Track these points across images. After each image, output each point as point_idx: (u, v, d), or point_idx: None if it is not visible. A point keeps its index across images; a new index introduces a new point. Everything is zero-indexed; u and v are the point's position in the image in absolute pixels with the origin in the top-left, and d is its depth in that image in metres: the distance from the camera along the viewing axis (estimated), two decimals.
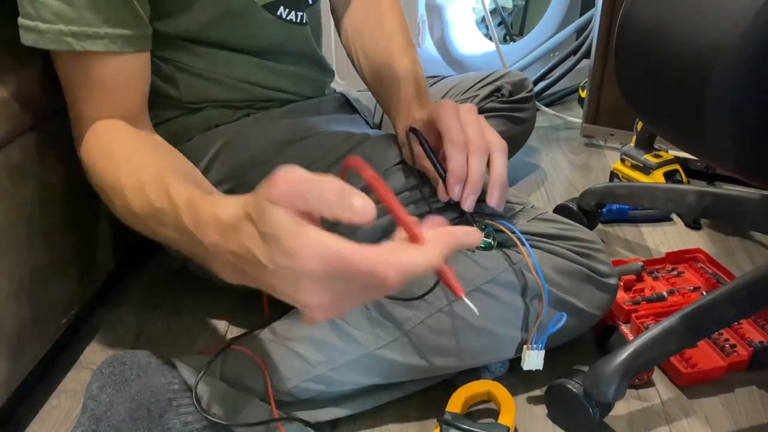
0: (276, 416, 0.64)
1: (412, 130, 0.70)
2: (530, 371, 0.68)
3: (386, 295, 0.44)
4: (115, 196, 0.61)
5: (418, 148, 0.70)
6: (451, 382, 0.72)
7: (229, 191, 0.79)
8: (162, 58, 0.75)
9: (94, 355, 0.82)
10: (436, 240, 0.42)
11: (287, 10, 0.78)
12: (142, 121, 0.69)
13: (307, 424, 0.66)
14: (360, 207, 0.39)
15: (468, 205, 0.66)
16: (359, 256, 0.39)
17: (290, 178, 0.40)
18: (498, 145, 0.67)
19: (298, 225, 0.39)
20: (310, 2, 0.84)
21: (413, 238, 0.42)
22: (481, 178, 0.66)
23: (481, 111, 1.06)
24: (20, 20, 0.62)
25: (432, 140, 0.69)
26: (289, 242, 0.39)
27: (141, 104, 0.69)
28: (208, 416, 0.62)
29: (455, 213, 0.72)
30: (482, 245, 0.70)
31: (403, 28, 0.86)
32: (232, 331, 0.85)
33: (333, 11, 0.93)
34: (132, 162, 0.61)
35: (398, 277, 0.39)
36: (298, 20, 0.80)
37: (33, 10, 0.60)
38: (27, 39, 0.62)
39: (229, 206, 0.46)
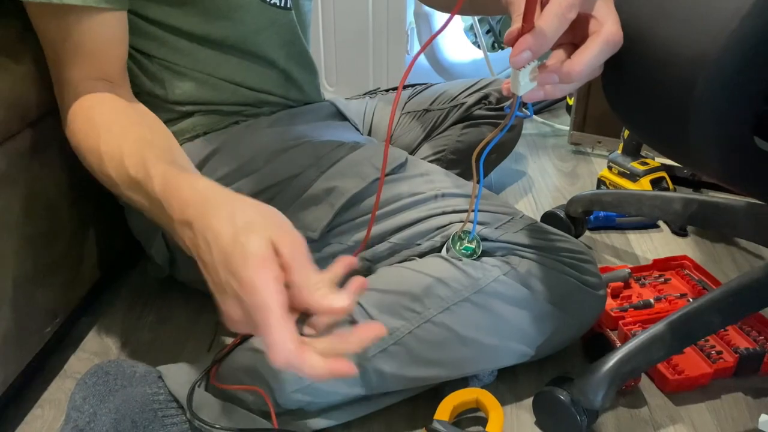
0: (275, 427, 0.63)
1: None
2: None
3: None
4: (93, 162, 0.64)
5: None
6: (439, 390, 0.71)
7: None
8: (147, 55, 0.75)
9: (79, 364, 0.81)
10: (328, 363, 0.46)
11: None
12: (123, 87, 0.70)
13: None
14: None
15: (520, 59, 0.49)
16: (274, 324, 0.44)
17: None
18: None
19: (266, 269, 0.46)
20: None
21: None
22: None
23: (468, 118, 1.07)
24: None
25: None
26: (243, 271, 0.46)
27: (121, 69, 0.70)
28: (204, 424, 0.61)
29: (445, 221, 0.72)
30: (466, 252, 0.70)
31: None
32: (219, 340, 0.84)
33: None
34: (112, 132, 0.63)
35: (280, 362, 0.44)
36: (282, 4, 0.80)
37: None
38: None
39: (198, 187, 0.53)
